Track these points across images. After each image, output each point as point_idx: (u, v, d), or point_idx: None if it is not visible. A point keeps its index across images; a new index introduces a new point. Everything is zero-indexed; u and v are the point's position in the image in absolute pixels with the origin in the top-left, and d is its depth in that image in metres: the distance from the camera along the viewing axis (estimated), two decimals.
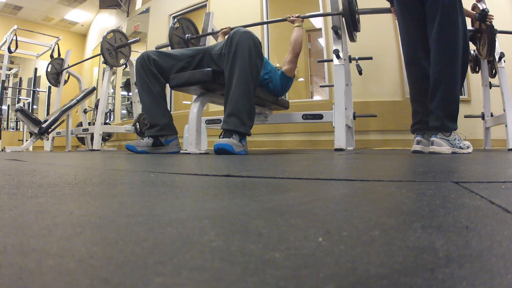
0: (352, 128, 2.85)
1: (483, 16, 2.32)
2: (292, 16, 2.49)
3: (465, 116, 3.07)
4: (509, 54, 2.73)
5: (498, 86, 2.59)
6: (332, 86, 2.56)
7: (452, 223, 0.26)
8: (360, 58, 3.08)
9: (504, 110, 2.48)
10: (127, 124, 4.56)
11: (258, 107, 2.54)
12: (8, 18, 7.05)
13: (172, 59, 2.07)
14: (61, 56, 5.08)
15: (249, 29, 1.91)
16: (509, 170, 0.74)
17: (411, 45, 1.82)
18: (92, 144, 3.85)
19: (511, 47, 3.04)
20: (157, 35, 5.29)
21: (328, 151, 2.25)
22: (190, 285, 0.15)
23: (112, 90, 6.65)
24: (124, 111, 6.66)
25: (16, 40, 4.98)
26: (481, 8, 2.35)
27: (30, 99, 6.92)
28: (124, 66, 4.13)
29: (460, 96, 1.76)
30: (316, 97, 5.72)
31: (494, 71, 2.79)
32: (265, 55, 3.86)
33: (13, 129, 7.44)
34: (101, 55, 3.60)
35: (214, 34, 2.91)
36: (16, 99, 7.33)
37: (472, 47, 2.70)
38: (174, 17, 5.20)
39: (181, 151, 2.13)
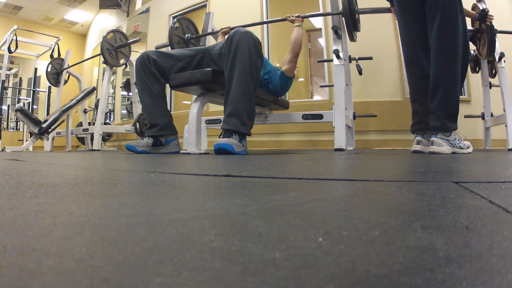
0: (352, 128, 2.85)
1: (483, 16, 2.32)
2: (292, 16, 2.49)
3: (465, 116, 3.07)
4: (509, 54, 2.73)
5: (498, 86, 2.59)
6: (332, 86, 2.56)
7: (452, 223, 0.26)
8: (360, 58, 3.08)
9: (504, 110, 2.48)
10: (127, 124, 4.56)
11: (258, 107, 2.54)
12: (8, 18, 7.05)
13: (172, 59, 2.07)
14: (61, 56, 5.08)
15: (249, 29, 1.91)
16: (509, 170, 0.74)
17: (411, 45, 1.82)
18: (92, 144, 3.85)
19: (511, 47, 3.04)
20: (157, 35, 5.29)
21: (328, 151, 2.25)
22: (190, 285, 0.15)
23: (112, 90, 6.65)
24: (124, 111, 6.66)
25: (16, 40, 4.98)
26: (481, 8, 2.35)
27: (30, 99, 6.92)
28: (124, 66, 4.14)
29: (460, 96, 1.76)
30: (316, 97, 5.72)
31: (494, 71, 2.79)
32: (265, 55, 3.85)
33: (13, 129, 7.44)
34: (101, 55, 3.60)
35: (214, 34, 2.91)
36: (16, 99, 7.33)
37: (472, 47, 2.70)
38: (174, 17, 5.20)
39: (181, 151, 2.13)
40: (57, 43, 5.33)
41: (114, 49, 3.65)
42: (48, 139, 4.03)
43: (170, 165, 1.00)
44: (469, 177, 0.60)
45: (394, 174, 0.72)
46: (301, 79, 5.36)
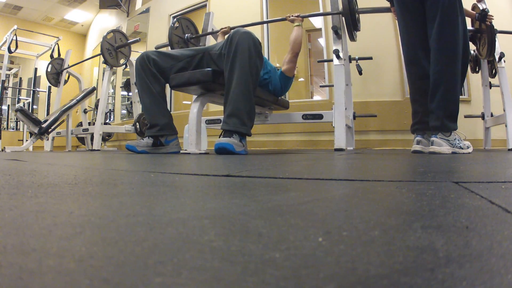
0: (352, 128, 2.85)
1: (483, 16, 2.32)
2: (292, 16, 2.49)
3: (465, 116, 3.07)
4: (509, 54, 2.73)
5: (498, 86, 2.59)
6: (332, 86, 2.56)
7: (452, 223, 0.26)
8: (360, 58, 3.08)
9: (504, 110, 2.48)
10: (127, 124, 4.56)
11: (258, 107, 2.54)
12: (8, 18, 7.05)
13: (172, 59, 2.07)
14: (61, 56, 5.08)
15: (249, 29, 1.91)
16: (509, 170, 0.74)
17: (411, 45, 1.82)
18: (92, 144, 3.85)
19: (511, 47, 3.04)
20: (157, 35, 5.29)
21: (328, 151, 2.25)
22: (190, 285, 0.15)
23: (112, 90, 6.65)
24: (124, 111, 6.66)
25: (16, 40, 4.98)
26: (481, 8, 2.35)
27: (30, 99, 6.92)
28: (124, 66, 4.14)
29: (460, 96, 1.76)
30: (316, 97, 5.72)
31: (494, 71, 2.79)
32: (265, 55, 3.85)
33: (13, 129, 7.44)
34: (101, 55, 3.60)
35: (213, 33, 2.91)
36: (16, 99, 7.33)
37: (472, 47, 2.70)
38: (174, 17, 5.20)
39: (181, 151, 2.13)
40: (57, 43, 5.33)
41: (114, 49, 3.65)
42: (48, 139, 4.03)
43: (170, 165, 1.00)
44: (469, 177, 0.60)
45: (394, 174, 0.72)
46: (301, 79, 5.36)
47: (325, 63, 3.81)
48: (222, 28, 2.77)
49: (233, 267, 0.17)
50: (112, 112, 6.62)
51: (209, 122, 2.84)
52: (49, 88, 6.09)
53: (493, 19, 2.35)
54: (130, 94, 4.69)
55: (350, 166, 0.92)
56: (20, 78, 7.58)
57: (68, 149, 4.31)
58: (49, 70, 4.79)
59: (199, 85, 1.89)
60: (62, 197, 0.41)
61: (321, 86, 4.61)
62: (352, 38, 2.59)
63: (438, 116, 1.66)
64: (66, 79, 5.01)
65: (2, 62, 5.21)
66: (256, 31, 3.77)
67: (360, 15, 2.72)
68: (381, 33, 3.58)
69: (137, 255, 0.19)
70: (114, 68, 3.86)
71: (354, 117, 2.88)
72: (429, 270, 0.17)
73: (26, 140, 4.90)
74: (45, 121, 3.80)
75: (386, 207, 0.34)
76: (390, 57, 3.55)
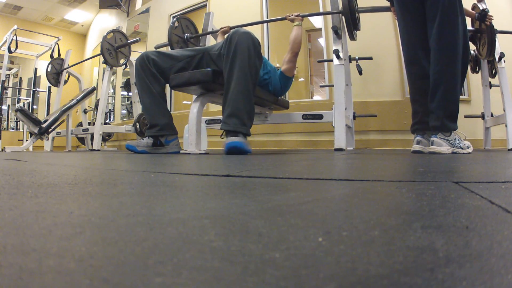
0: (352, 128, 2.85)
1: (482, 16, 2.32)
2: (292, 15, 2.49)
3: (465, 116, 3.07)
4: (509, 54, 2.73)
5: (498, 86, 2.59)
6: (332, 86, 2.56)
7: (452, 223, 0.26)
8: (360, 58, 3.08)
9: (504, 110, 2.48)
10: (127, 124, 4.56)
11: (258, 107, 2.54)
12: (8, 18, 7.05)
13: (172, 59, 2.07)
14: (61, 56, 5.08)
15: (248, 28, 1.91)
16: (509, 170, 0.74)
17: (411, 45, 1.82)
18: (92, 144, 3.85)
19: (511, 47, 3.04)
20: (157, 35, 5.29)
21: (328, 151, 2.25)
22: (190, 285, 0.15)
23: (112, 90, 6.65)
24: (124, 111, 6.66)
25: (16, 40, 4.98)
26: (481, 8, 2.35)
27: (30, 99, 6.92)
28: (124, 66, 4.14)
29: (460, 96, 1.76)
30: (316, 97, 5.72)
31: (494, 71, 2.79)
32: (265, 55, 3.85)
33: (13, 129, 7.44)
34: (101, 55, 3.60)
35: (213, 33, 2.91)
36: (16, 99, 7.33)
37: (472, 47, 2.70)
38: (174, 17, 5.20)
39: (181, 151, 2.13)
40: (57, 43, 5.33)
41: (114, 49, 3.65)
42: (48, 139, 4.03)
43: (170, 165, 1.00)
44: (469, 177, 0.60)
45: (394, 174, 0.72)
46: (301, 79, 5.36)
47: (325, 63, 3.81)
48: (221, 28, 2.77)
49: (233, 267, 0.17)
50: (112, 112, 6.62)
51: (209, 122, 2.84)
52: (49, 88, 6.09)
53: (492, 19, 2.34)
54: (130, 94, 4.69)
55: (350, 166, 0.92)
56: (20, 78, 7.58)
57: (68, 149, 4.31)
58: (49, 70, 4.79)
59: (199, 85, 1.89)
60: (62, 197, 0.41)
61: (321, 86, 4.61)
62: (352, 38, 2.59)
63: (438, 116, 1.66)
64: (66, 79, 5.01)
65: (2, 62, 5.21)
66: (256, 31, 3.77)
67: (360, 15, 2.72)
68: (381, 33, 3.58)
69: (137, 255, 0.19)
70: (114, 68, 3.86)
71: (354, 117, 2.88)
72: (429, 270, 0.17)
73: (26, 140, 4.91)
74: (45, 121, 3.80)
75: (386, 207, 0.34)
76: (390, 57, 3.55)
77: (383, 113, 3.38)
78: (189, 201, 0.38)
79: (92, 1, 6.95)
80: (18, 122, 7.30)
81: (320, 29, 4.11)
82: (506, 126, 2.44)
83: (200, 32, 2.93)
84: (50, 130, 3.79)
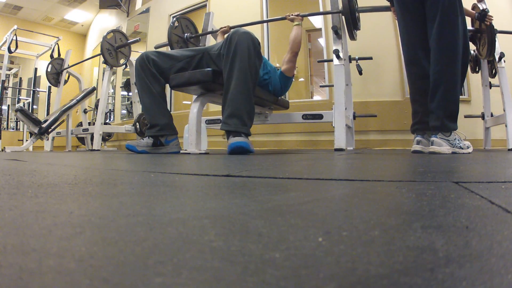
0: (352, 128, 2.85)
1: (482, 16, 2.32)
2: (292, 15, 2.49)
3: (465, 116, 3.07)
4: (509, 54, 2.73)
5: (498, 86, 2.59)
6: (332, 86, 2.56)
7: (452, 223, 0.26)
8: (360, 58, 3.08)
9: (504, 110, 2.48)
10: (127, 124, 4.56)
11: (258, 107, 2.54)
12: (8, 18, 7.05)
13: (171, 60, 2.07)
14: (61, 56, 5.08)
15: (248, 28, 1.91)
16: (509, 170, 0.74)
17: (411, 45, 1.82)
18: (92, 144, 3.85)
19: (511, 47, 3.04)
20: (157, 35, 5.29)
21: (328, 151, 2.25)
22: (190, 285, 0.15)
23: (112, 90, 6.65)
24: (124, 111, 6.66)
25: (16, 40, 4.98)
26: (481, 8, 2.35)
27: (30, 99, 6.92)
28: (124, 66, 4.14)
29: (460, 96, 1.76)
30: (316, 97, 5.72)
31: (494, 71, 2.79)
32: (265, 55, 3.85)
33: (13, 129, 7.44)
34: (101, 55, 3.60)
35: (213, 33, 2.90)
36: (16, 99, 7.33)
37: (472, 47, 2.70)
38: (174, 17, 5.20)
39: (181, 151, 2.13)
40: (57, 43, 5.33)
41: (114, 49, 3.65)
42: (48, 139, 4.03)
43: (170, 165, 1.00)
44: (469, 177, 0.60)
45: (394, 174, 0.72)
46: (301, 79, 5.36)
47: (325, 63, 3.81)
48: (221, 28, 2.77)
49: (233, 267, 0.17)
50: (112, 112, 6.62)
51: (209, 122, 2.84)
52: (49, 88, 6.09)
53: (492, 19, 2.34)
54: (130, 94, 4.69)
55: (350, 166, 0.92)
56: (20, 78, 7.58)
57: (68, 149, 4.31)
58: (49, 70, 4.79)
59: (199, 85, 1.89)
60: (62, 197, 0.41)
61: (321, 86, 4.61)
62: (352, 37, 2.59)
63: (438, 116, 1.66)
64: (66, 79, 5.01)
65: (2, 62, 5.21)
66: (256, 30, 3.77)
67: (360, 15, 2.72)
68: (381, 33, 3.57)
69: (137, 255, 0.19)
70: (114, 68, 3.86)
71: (354, 117, 2.88)
72: (429, 270, 0.17)
73: (26, 140, 4.91)
74: (45, 121, 3.80)
75: (386, 207, 0.34)
76: (390, 57, 3.55)
77: (383, 113, 3.38)
78: (189, 201, 0.38)
79: (92, 1, 6.95)
80: (18, 122, 7.30)
81: (320, 29, 4.11)
82: (506, 126, 2.44)
83: (200, 32, 2.93)
84: (50, 130, 3.79)
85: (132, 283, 0.15)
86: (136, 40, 3.81)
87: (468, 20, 1.98)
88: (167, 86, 2.11)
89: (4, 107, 7.05)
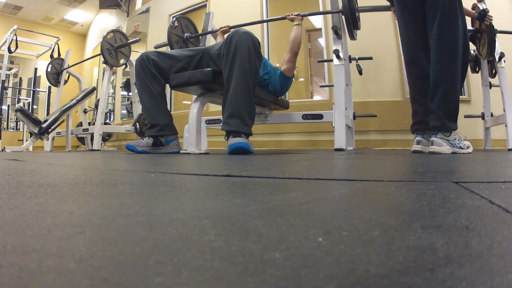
0: (352, 128, 2.85)
1: (482, 16, 2.32)
2: (292, 14, 2.49)
3: (465, 116, 3.07)
4: (509, 54, 2.73)
5: (498, 86, 2.59)
6: (332, 86, 2.56)
7: (452, 223, 0.26)
8: (360, 58, 3.08)
9: (504, 110, 2.48)
10: (127, 124, 4.56)
11: (258, 107, 2.54)
12: (8, 18, 7.05)
13: (171, 60, 2.07)
14: (61, 56, 5.08)
15: (248, 28, 1.91)
16: (509, 170, 0.74)
17: (411, 45, 1.82)
18: (92, 144, 3.85)
19: (511, 47, 3.04)
20: (157, 35, 5.28)
21: (328, 151, 2.25)
22: (190, 285, 0.15)
23: (112, 90, 6.65)
24: (124, 111, 6.66)
25: (16, 40, 4.98)
26: (481, 8, 2.35)
27: (30, 99, 6.92)
28: (124, 66, 4.14)
29: (460, 96, 1.76)
30: (316, 97, 5.72)
31: (494, 71, 2.79)
32: (265, 55, 3.85)
33: (13, 129, 7.44)
34: (101, 55, 3.60)
35: (213, 33, 2.90)
36: (16, 99, 7.33)
37: (472, 47, 2.70)
38: (174, 17, 5.20)
39: (181, 151, 2.13)
40: (57, 43, 5.33)
41: (114, 49, 3.65)
42: (48, 139, 4.03)
43: (170, 165, 1.00)
44: (469, 177, 0.60)
45: (394, 174, 0.72)
46: (301, 79, 5.36)
47: (325, 63, 3.81)
48: (221, 28, 2.77)
49: (233, 267, 0.17)
50: (112, 112, 6.62)
51: (209, 122, 2.84)
52: (49, 88, 6.09)
53: (492, 19, 2.34)
54: (130, 94, 4.69)
55: (350, 166, 0.92)
56: (20, 78, 7.58)
57: (68, 149, 4.31)
58: (49, 70, 4.79)
59: (199, 85, 1.89)
60: (62, 197, 0.41)
61: (321, 86, 4.61)
62: (352, 37, 2.59)
63: (438, 116, 1.66)
64: (66, 79, 5.01)
65: (2, 62, 5.21)
66: (256, 30, 3.77)
67: (360, 15, 2.72)
68: (381, 33, 3.57)
69: (137, 255, 0.19)
70: (114, 68, 3.86)
71: (354, 117, 2.88)
72: (429, 270, 0.17)
73: (26, 140, 4.91)
74: (45, 121, 3.80)
75: (386, 207, 0.34)
76: (390, 57, 3.55)
77: (383, 113, 3.38)
78: (189, 201, 0.38)
79: (92, 1, 6.95)
80: (18, 122, 7.30)
81: (320, 29, 4.11)
82: (506, 126, 2.44)
83: (200, 32, 2.93)
84: (50, 130, 3.79)
85: (132, 283, 0.15)
86: (136, 40, 3.81)
87: (468, 20, 1.98)
88: (167, 86, 2.11)
89: (4, 107, 7.05)
